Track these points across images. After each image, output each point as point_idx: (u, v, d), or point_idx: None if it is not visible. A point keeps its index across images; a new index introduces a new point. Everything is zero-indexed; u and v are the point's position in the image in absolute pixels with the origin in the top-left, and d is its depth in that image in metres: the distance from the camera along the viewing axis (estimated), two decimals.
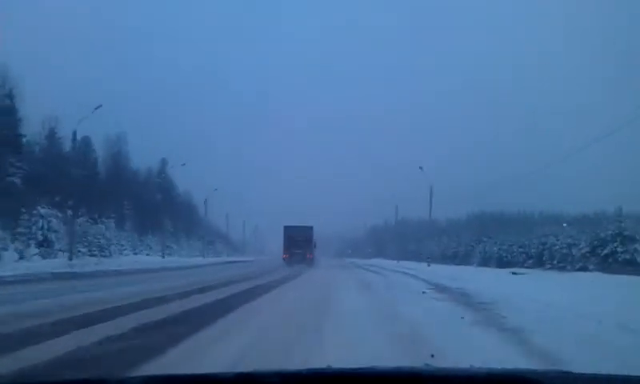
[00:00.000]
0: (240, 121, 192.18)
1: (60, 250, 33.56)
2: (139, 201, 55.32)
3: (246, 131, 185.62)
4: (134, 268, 26.56)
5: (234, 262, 51.51)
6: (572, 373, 2.04)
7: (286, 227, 42.86)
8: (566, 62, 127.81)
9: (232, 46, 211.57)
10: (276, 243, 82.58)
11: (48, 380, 3.88)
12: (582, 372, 2.10)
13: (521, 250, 50.72)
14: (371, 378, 1.79)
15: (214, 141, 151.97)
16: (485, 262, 54.27)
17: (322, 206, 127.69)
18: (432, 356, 4.75)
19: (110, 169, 61.66)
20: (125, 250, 42.97)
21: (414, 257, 75.16)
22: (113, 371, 4.25)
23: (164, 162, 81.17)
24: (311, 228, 43.17)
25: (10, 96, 33.97)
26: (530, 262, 48.10)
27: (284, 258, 40.26)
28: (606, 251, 35.20)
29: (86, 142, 61.13)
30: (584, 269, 36.91)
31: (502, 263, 51.79)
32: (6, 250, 27.98)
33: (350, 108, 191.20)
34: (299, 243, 40.09)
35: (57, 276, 18.71)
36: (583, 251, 38.90)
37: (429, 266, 41.15)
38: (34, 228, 31.91)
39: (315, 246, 44.27)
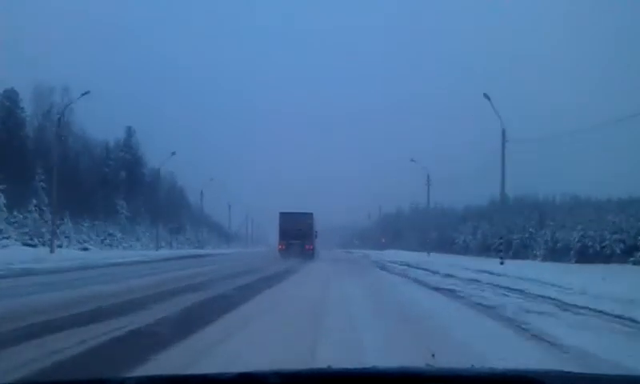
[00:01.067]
0: (240, 110, 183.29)
1: None
2: (68, 176, 38.38)
3: (246, 119, 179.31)
4: None
5: (203, 256, 35.35)
6: (573, 373, 1.88)
7: (281, 214, 36.19)
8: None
9: (232, 44, 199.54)
10: (275, 233, 68.26)
11: (48, 380, 3.73)
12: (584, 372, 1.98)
13: (616, 236, 33.51)
14: (372, 378, 1.70)
15: (216, 133, 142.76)
16: (556, 255, 37.19)
17: (326, 195, 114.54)
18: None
19: (39, 131, 45.09)
20: (5, 238, 26.09)
21: (441, 247, 57.77)
22: None
23: (130, 132, 64.95)
24: (311, 215, 36.62)
25: None
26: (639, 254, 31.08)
27: (279, 250, 34.47)
28: None
29: (10, 96, 44.83)
30: None
31: (586, 256, 34.66)
32: None
33: (351, 98, 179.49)
34: (297, 232, 34.02)
35: None
36: None
37: (502, 263, 23.84)
38: None
39: (316, 236, 37.66)
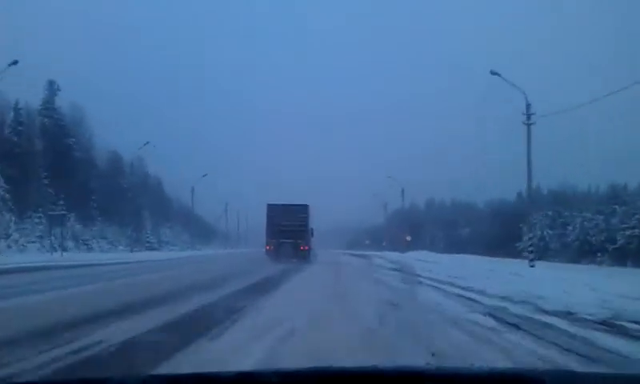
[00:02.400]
0: (240, 110, 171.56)
1: None
2: None
3: (246, 119, 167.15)
4: None
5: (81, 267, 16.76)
6: (573, 371, 1.83)
7: (269, 206, 28.97)
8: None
9: (232, 44, 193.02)
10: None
11: (48, 380, 3.60)
12: (584, 370, 1.87)
13: None
14: (372, 377, 1.65)
15: (215, 133, 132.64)
16: None
17: (326, 195, 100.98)
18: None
19: None
20: None
21: (490, 250, 38.34)
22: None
23: (52, 89, 45.84)
24: (306, 207, 29.21)
25: None
26: None
27: (267, 251, 28.03)
28: None
29: None
30: None
31: None
32: None
33: (351, 98, 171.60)
34: (289, 229, 27.75)
35: None
36: None
37: None
38: None
39: (312, 234, 30.27)
